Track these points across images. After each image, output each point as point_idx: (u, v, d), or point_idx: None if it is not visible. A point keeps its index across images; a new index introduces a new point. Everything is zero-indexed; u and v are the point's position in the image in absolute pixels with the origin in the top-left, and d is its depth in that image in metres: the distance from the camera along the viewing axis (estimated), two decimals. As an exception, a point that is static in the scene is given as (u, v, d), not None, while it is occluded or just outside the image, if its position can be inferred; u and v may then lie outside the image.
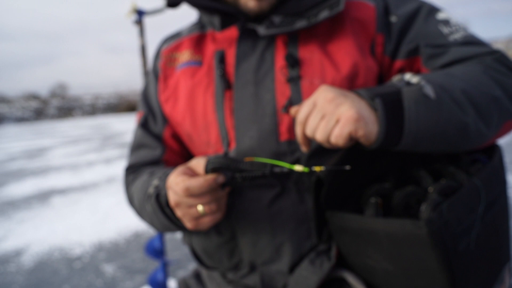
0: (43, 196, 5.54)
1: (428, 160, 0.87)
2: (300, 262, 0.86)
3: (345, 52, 0.86)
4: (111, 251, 3.20)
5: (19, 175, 7.66)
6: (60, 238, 3.62)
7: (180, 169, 0.78)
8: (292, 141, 0.84)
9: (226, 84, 0.90)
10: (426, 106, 0.67)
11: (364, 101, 0.68)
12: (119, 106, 48.52)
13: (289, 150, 0.84)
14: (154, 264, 2.80)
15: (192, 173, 0.77)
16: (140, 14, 1.77)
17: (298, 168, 0.70)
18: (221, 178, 0.74)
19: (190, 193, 0.73)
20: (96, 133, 17.55)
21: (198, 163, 0.77)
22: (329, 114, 0.67)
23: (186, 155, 1.04)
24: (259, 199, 0.87)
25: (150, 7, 1.84)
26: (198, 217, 0.77)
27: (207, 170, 0.75)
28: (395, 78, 0.76)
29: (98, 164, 8.22)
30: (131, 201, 1.02)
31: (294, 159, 0.84)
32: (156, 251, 1.95)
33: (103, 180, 6.40)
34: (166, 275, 1.98)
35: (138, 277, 2.65)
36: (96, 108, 48.30)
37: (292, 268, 0.87)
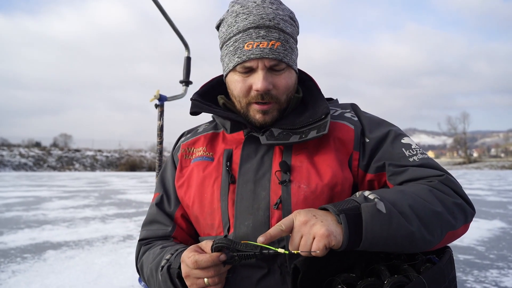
0: (37, 249, 5.61)
1: (390, 257, 1.07)
2: None
3: (328, 165, 1.09)
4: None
5: (14, 225, 7.73)
6: (52, 294, 3.68)
7: (192, 247, 0.98)
8: None
9: (231, 179, 1.12)
10: (379, 218, 0.88)
11: (331, 216, 0.90)
12: (119, 163, 48.83)
13: (277, 239, 1.04)
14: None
15: (201, 251, 0.96)
16: (162, 99, 2.04)
17: (280, 250, 0.89)
18: (223, 256, 0.92)
19: (198, 266, 0.92)
20: (94, 189, 17.63)
21: (206, 244, 0.97)
22: (307, 234, 0.88)
23: (193, 234, 1.24)
24: (249, 277, 1.05)
25: (170, 94, 2.12)
26: (203, 287, 0.95)
27: (213, 249, 0.94)
28: (358, 193, 0.98)
29: (94, 221, 8.31)
30: (141, 268, 1.20)
31: (281, 246, 1.04)
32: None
33: (98, 238, 6.48)
34: None
35: None
36: (97, 162, 48.57)
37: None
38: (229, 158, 1.17)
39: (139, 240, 1.26)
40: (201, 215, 1.15)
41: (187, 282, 0.97)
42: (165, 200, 1.26)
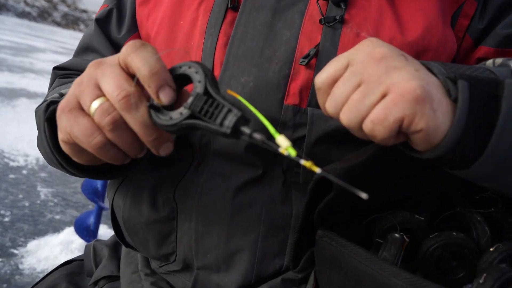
0: (11, 94, 5.14)
1: (475, 199, 0.59)
2: (256, 286, 0.58)
3: (420, 9, 0.57)
4: (54, 175, 2.86)
5: (-4, 66, 7.19)
6: (8, 142, 3.26)
7: None
8: (300, 109, 0.55)
9: (232, 2, 0.60)
10: None
11: (435, 80, 0.41)
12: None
13: (293, 121, 0.55)
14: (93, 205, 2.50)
15: None
16: None
17: (282, 141, 0.38)
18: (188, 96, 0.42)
19: (126, 63, 0.42)
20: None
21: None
22: (372, 82, 0.40)
23: None
24: (226, 177, 0.58)
25: None
26: (84, 105, 0.44)
27: (174, 70, 0.44)
28: (494, 60, 0.48)
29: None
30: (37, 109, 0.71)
31: (295, 137, 0.55)
32: (95, 191, 1.65)
33: (79, 99, 6.01)
34: (98, 221, 1.69)
35: (70, 212, 2.34)
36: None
37: (242, 290, 0.58)
38: None
39: (54, 68, 0.75)
40: (166, 54, 0.65)
41: (62, 115, 0.45)
42: (114, 19, 0.74)
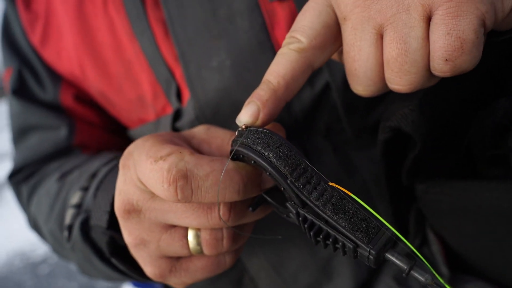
0: None
1: None
2: (374, 278, 0.46)
3: None
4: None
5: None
6: (19, 240, 3.11)
7: (156, 136, 0.34)
8: None
9: None
10: None
11: None
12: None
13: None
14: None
15: (194, 151, 0.34)
16: None
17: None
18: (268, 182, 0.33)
19: (194, 179, 0.30)
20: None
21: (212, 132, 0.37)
22: (395, 16, 0.27)
23: (113, 127, 0.59)
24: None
25: None
26: (181, 255, 0.35)
27: (234, 153, 0.31)
28: None
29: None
30: (36, 227, 0.58)
31: (317, 91, 0.41)
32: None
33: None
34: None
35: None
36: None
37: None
38: None
39: (10, 176, 0.60)
40: (107, 85, 0.52)
41: (135, 250, 0.36)
42: (31, 80, 0.58)
